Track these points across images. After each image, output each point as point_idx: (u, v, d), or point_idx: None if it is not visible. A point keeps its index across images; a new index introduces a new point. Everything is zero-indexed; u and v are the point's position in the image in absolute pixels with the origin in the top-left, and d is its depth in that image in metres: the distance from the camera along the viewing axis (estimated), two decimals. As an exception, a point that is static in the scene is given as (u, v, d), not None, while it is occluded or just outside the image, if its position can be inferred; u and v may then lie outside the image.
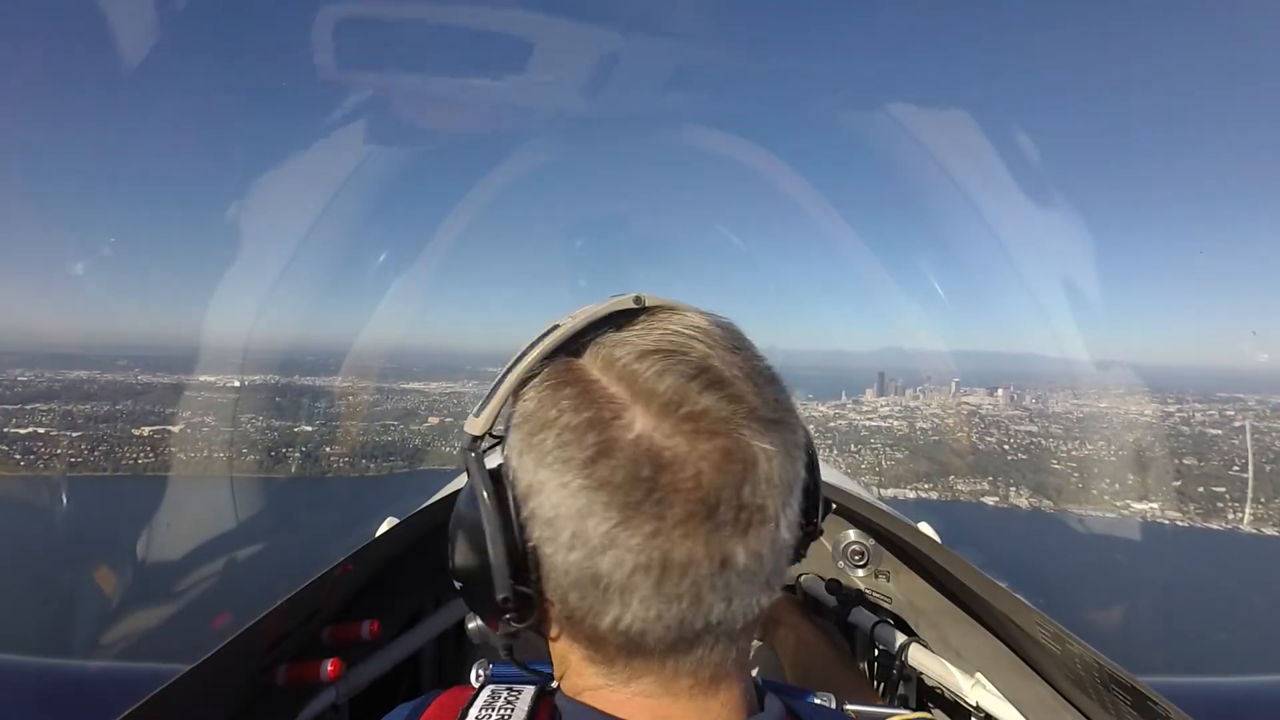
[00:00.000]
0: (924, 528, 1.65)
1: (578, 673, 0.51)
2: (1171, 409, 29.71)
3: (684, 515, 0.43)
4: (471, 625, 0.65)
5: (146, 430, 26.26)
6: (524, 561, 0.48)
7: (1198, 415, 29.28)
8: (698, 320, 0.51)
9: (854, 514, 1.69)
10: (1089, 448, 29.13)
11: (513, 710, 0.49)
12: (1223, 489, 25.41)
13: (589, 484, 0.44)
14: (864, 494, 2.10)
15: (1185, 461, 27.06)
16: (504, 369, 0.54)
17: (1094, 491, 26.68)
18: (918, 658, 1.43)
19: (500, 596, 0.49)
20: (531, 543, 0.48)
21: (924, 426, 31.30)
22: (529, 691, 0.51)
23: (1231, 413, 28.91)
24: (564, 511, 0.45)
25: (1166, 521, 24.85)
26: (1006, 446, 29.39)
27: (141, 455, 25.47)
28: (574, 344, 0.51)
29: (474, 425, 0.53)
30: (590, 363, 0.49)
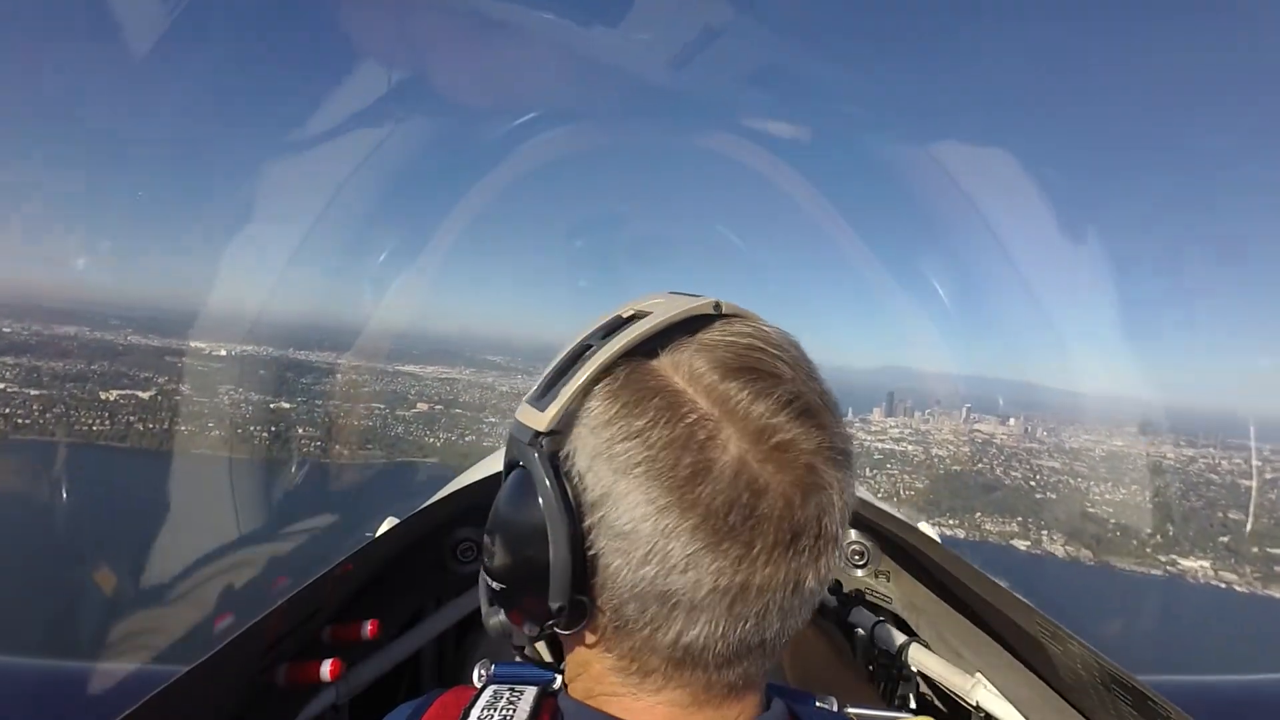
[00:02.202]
0: (924, 528, 1.62)
1: (596, 679, 0.50)
2: (1190, 453, 26.78)
3: (772, 543, 0.43)
4: (493, 621, 0.58)
5: (114, 394, 24.07)
6: (584, 570, 0.46)
7: (1223, 464, 26.36)
8: (777, 338, 0.50)
9: (854, 514, 1.56)
10: (1122, 492, 26.24)
11: (515, 711, 0.48)
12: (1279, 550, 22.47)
13: (681, 504, 0.43)
14: (864, 494, 2.03)
15: (1231, 516, 24.14)
16: (564, 358, 0.49)
17: (1134, 543, 23.77)
18: (918, 658, 1.43)
19: (556, 605, 0.46)
20: (594, 551, 0.46)
21: (940, 453, 28.52)
22: (531, 692, 0.50)
23: (1259, 463, 25.89)
24: (645, 528, 0.43)
25: (1222, 585, 21.91)
26: (1033, 483, 26.78)
27: (97, 422, 23.23)
28: (648, 344, 0.48)
29: (534, 417, 0.48)
30: (670, 369, 0.47)
